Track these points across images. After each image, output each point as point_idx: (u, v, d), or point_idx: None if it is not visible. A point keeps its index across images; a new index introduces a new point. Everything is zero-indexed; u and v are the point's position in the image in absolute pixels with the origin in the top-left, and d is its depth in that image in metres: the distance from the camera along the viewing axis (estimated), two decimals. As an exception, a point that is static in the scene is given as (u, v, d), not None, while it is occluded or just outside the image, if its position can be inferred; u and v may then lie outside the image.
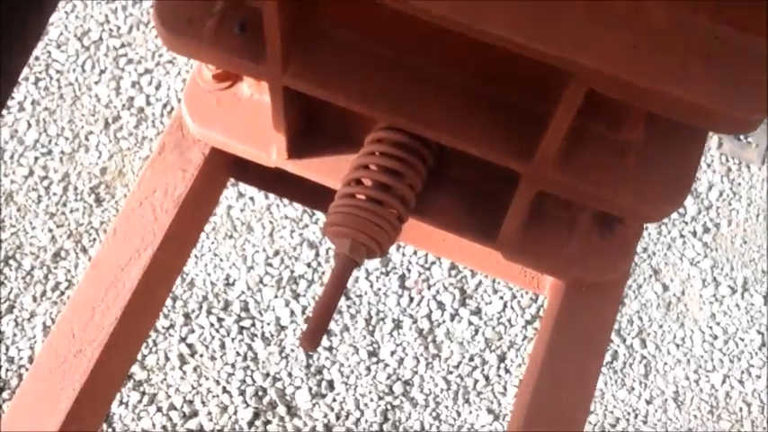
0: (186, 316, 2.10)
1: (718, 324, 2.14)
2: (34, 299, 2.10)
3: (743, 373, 2.09)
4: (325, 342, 2.08)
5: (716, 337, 2.12)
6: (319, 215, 2.20)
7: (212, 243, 2.18)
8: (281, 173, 1.29)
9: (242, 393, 2.03)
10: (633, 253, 1.19)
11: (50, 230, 2.17)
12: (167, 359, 2.06)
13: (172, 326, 2.09)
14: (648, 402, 2.07)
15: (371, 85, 1.01)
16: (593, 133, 0.98)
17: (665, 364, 2.10)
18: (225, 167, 1.33)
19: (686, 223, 2.22)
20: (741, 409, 2.06)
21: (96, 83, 2.34)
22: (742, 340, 2.12)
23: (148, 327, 1.27)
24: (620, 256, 1.17)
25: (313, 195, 1.42)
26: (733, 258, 2.21)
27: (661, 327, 2.13)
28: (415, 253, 2.18)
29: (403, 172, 1.12)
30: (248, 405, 2.02)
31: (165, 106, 2.33)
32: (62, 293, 2.11)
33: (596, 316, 1.17)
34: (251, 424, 2.00)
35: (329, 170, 1.20)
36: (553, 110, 0.89)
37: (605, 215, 1.18)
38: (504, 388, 2.07)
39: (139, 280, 1.16)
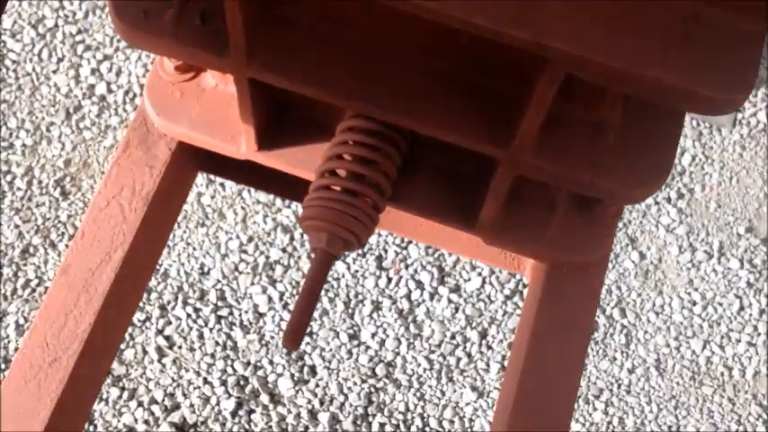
0: (162, 308, 2.07)
1: (696, 290, 2.14)
2: (5, 297, 2.05)
3: (723, 338, 2.10)
4: (304, 327, 2.06)
5: (695, 303, 2.13)
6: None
7: (184, 232, 2.14)
8: (249, 164, 1.25)
9: (223, 383, 2.00)
10: (614, 232, 1.17)
11: (17, 226, 2.12)
12: (145, 353, 2.03)
13: (148, 318, 2.05)
14: (631, 372, 2.07)
15: (341, 74, 0.98)
16: (569, 115, 0.96)
17: (646, 332, 2.11)
18: (193, 161, 1.30)
19: (660, 190, 2.22)
20: (722, 374, 2.07)
21: (55, 72, 2.28)
22: (720, 305, 2.12)
23: (123, 329, 1.24)
24: (601, 235, 1.15)
25: (287, 185, 1.38)
26: (708, 223, 2.21)
27: (640, 295, 2.14)
28: (392, 233, 2.16)
29: (377, 160, 1.09)
30: (230, 395, 1.99)
31: (126, 93, 2.27)
32: (33, 291, 2.07)
33: (580, 297, 1.15)
34: (234, 414, 1.98)
35: (301, 161, 1.17)
36: (529, 94, 0.87)
37: (585, 196, 1.16)
38: (487, 365, 2.06)
39: (111, 283, 1.13)
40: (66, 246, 2.11)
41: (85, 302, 1.12)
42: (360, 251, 2.13)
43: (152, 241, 1.22)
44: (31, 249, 2.11)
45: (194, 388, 2.01)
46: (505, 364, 2.06)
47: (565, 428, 1.09)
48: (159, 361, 2.03)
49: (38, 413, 1.07)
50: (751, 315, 2.11)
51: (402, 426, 2.01)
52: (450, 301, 2.10)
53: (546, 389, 1.11)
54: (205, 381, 2.01)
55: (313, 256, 1.07)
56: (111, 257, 1.14)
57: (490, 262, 1.34)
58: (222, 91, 1.20)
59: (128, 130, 1.23)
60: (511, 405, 1.10)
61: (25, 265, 2.09)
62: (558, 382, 1.12)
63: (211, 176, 2.19)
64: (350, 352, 2.06)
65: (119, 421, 1.98)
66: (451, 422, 2.02)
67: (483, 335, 2.08)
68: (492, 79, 0.94)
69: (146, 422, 1.98)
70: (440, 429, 2.01)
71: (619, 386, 2.06)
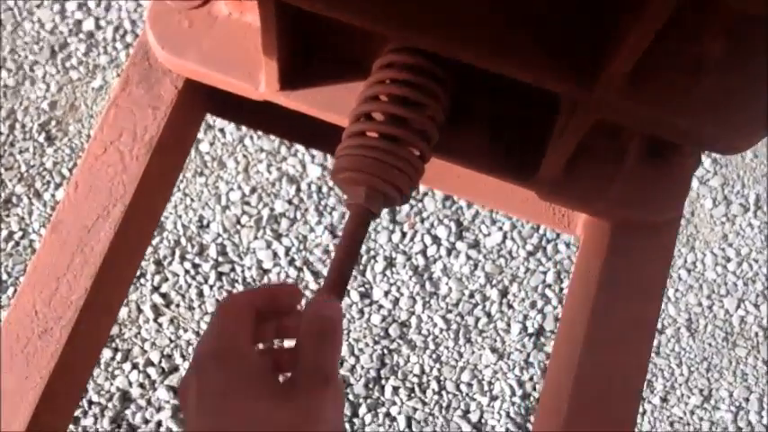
0: (158, 263, 1.91)
1: (730, 245, 2.01)
2: (-14, 251, 1.89)
3: (758, 296, 1.97)
4: (312, 285, 1.92)
5: (729, 260, 2.00)
6: (299, 147, 2.00)
7: (181, 182, 1.97)
8: (264, 106, 1.09)
9: (225, 345, 1.86)
10: (689, 187, 1.02)
11: (-1, 174, 1.95)
12: (140, 311, 1.88)
13: (143, 275, 1.90)
14: (660, 332, 1.94)
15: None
16: (664, 49, 0.80)
17: (677, 290, 1.97)
18: (201, 101, 1.13)
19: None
20: (757, 335, 1.95)
21: (38, 6, 2.08)
22: (756, 262, 1.99)
23: (123, 294, 1.09)
24: (676, 190, 1.00)
25: (303, 130, 1.22)
26: (744, 174, 2.06)
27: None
28: (405, 183, 2.00)
29: (422, 102, 0.93)
30: (233, 357, 1.85)
31: (117, 30, 2.08)
32: (17, 244, 1.90)
33: (649, 262, 1.01)
34: (237, 378, 1.84)
35: (330, 103, 1.01)
36: (622, 21, 0.71)
37: (658, 142, 1.01)
38: (508, 325, 1.93)
39: (110, 242, 0.97)
40: (53, 195, 1.94)
41: (80, 264, 0.96)
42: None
43: (156, 194, 1.06)
44: (14, 199, 1.94)
45: (193, 349, 1.86)
46: (527, 324, 1.93)
47: (629, 429, 0.95)
48: (155, 320, 1.88)
49: (26, 393, 0.92)
50: (788, 273, 1.98)
51: (417, 389, 1.88)
52: (468, 257, 1.96)
53: (614, 370, 0.97)
54: (206, 342, 1.87)
55: (348, 213, 0.92)
56: (109, 213, 0.98)
57: (537, 220, 1.19)
58: (237, 20, 1.03)
59: (126, 65, 1.06)
60: (571, 385, 0.96)
61: (8, 216, 1.92)
62: (628, 360, 0.98)
63: (210, 122, 2.02)
64: (361, 311, 1.91)
65: (111, 384, 1.83)
66: (469, 385, 1.89)
67: (503, 293, 1.94)
68: (569, 5, 0.78)
69: (141, 385, 1.84)
70: (457, 393, 1.89)
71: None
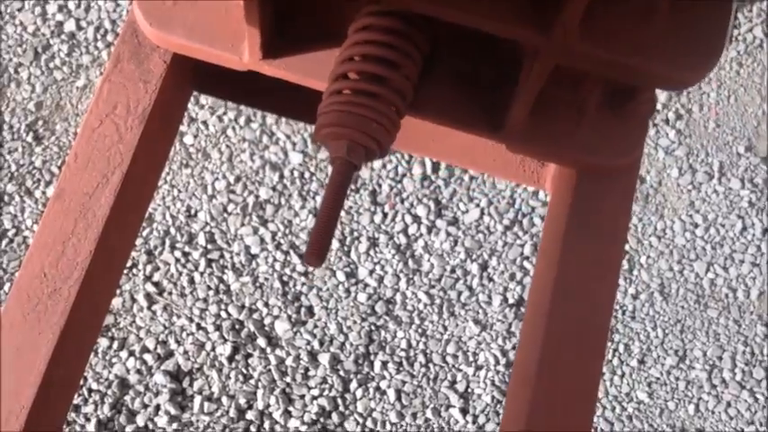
0: (149, 253, 1.97)
1: (697, 212, 2.10)
2: (-20, 250, 1.95)
3: (726, 259, 2.06)
4: (299, 267, 1.98)
5: (696, 226, 2.09)
6: (280, 135, 2.08)
7: (167, 174, 2.03)
8: (248, 80, 1.16)
9: (218, 328, 1.92)
10: (647, 132, 1.10)
11: (-12, 176, 2.00)
12: (134, 300, 1.94)
13: (135, 265, 1.96)
14: (635, 297, 2.03)
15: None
16: (614, -3, 0.88)
17: (648, 257, 2.06)
18: (188, 75, 1.20)
19: (658, 111, 2.16)
20: (727, 296, 2.04)
21: (20, 10, 2.14)
22: (723, 226, 2.08)
23: (126, 255, 1.15)
24: (634, 135, 1.08)
25: (287, 102, 1.29)
26: (707, 144, 2.16)
27: (641, 220, 2.09)
28: (384, 167, 2.08)
29: (397, 61, 1.00)
30: (226, 340, 1.92)
31: (98, 29, 2.14)
32: (11, 241, 1.96)
33: (613, 204, 1.09)
34: (231, 359, 1.90)
35: (311, 68, 1.08)
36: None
37: (615, 93, 1.09)
38: (489, 297, 2.00)
39: (111, 206, 1.03)
40: (44, 193, 2.00)
41: (84, 228, 1.03)
42: (353, 187, 2.05)
43: (152, 161, 1.13)
44: (6, 198, 1.99)
45: (187, 334, 1.92)
46: (507, 296, 2.00)
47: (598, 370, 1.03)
48: (149, 308, 1.94)
49: (39, 348, 0.98)
50: (754, 235, 2.07)
51: (405, 363, 1.95)
52: (448, 234, 2.04)
53: (583, 302, 1.05)
54: (198, 326, 1.93)
55: (330, 168, 0.99)
56: (108, 180, 1.05)
57: (508, 176, 1.27)
58: (219, -4, 1.10)
59: (117, 43, 1.13)
60: (546, 319, 1.04)
61: (1, 214, 1.98)
62: (595, 293, 1.05)
63: (192, 115, 2.08)
64: (348, 290, 1.98)
65: (110, 372, 1.89)
66: (455, 357, 1.97)
67: (483, 267, 2.02)
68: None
69: (138, 372, 1.90)
70: (443, 365, 1.96)
71: (623, 312, 2.01)
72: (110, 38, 2.13)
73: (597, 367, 1.02)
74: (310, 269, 1.98)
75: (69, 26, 2.13)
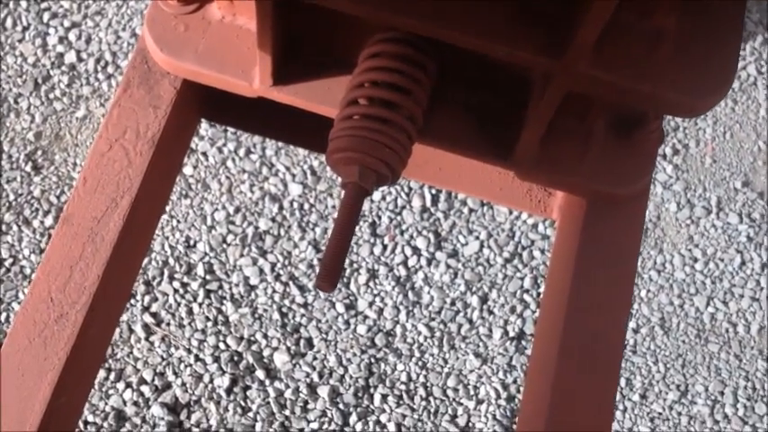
0: (147, 284, 1.96)
1: (696, 246, 2.10)
2: (-24, 280, 1.92)
3: (726, 294, 2.06)
4: (299, 299, 1.97)
5: (696, 260, 2.09)
6: (279, 167, 2.08)
7: (166, 204, 2.03)
8: (256, 108, 1.16)
9: (216, 360, 1.90)
10: (655, 160, 1.11)
11: (-14, 205, 1.99)
12: (131, 331, 1.92)
13: (132, 295, 1.94)
14: (636, 331, 2.02)
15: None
16: (623, 23, 0.89)
17: (648, 291, 2.06)
18: (197, 104, 1.20)
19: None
20: (728, 331, 2.03)
21: (20, 41, 2.14)
22: (722, 261, 2.09)
23: (133, 279, 1.15)
24: (642, 163, 1.09)
25: (294, 130, 1.30)
26: (705, 179, 2.17)
27: (640, 254, 2.09)
28: (384, 198, 2.08)
29: (408, 87, 1.01)
30: (224, 372, 1.89)
31: (98, 61, 2.15)
32: (8, 270, 1.94)
33: (623, 230, 1.09)
34: (229, 391, 1.88)
35: (321, 95, 1.09)
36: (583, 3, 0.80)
37: (623, 122, 1.10)
38: (489, 330, 1.99)
39: (120, 231, 1.03)
40: (42, 222, 1.98)
41: (92, 253, 1.02)
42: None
43: (160, 186, 1.12)
44: (4, 227, 1.98)
45: (185, 366, 1.90)
46: (508, 329, 1.99)
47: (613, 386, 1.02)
48: (147, 339, 1.92)
49: (45, 374, 0.97)
50: (753, 270, 2.08)
51: (405, 396, 1.93)
52: (448, 266, 2.03)
53: (594, 334, 1.04)
54: (197, 358, 1.91)
55: (343, 193, 0.99)
56: (117, 204, 1.04)
57: (514, 205, 1.27)
58: (229, 23, 1.11)
59: (126, 69, 1.13)
60: (557, 350, 1.03)
61: (-2, 244, 1.96)
62: (606, 326, 1.05)
63: (192, 146, 2.08)
64: (347, 322, 1.97)
65: (106, 404, 1.86)
66: (455, 390, 1.95)
67: (484, 300, 2.01)
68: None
69: (135, 404, 1.87)
70: (444, 398, 1.94)
71: (625, 347, 2.01)
72: (110, 69, 2.14)
73: (610, 397, 1.01)
74: (309, 300, 1.97)
75: (70, 57, 2.14)
